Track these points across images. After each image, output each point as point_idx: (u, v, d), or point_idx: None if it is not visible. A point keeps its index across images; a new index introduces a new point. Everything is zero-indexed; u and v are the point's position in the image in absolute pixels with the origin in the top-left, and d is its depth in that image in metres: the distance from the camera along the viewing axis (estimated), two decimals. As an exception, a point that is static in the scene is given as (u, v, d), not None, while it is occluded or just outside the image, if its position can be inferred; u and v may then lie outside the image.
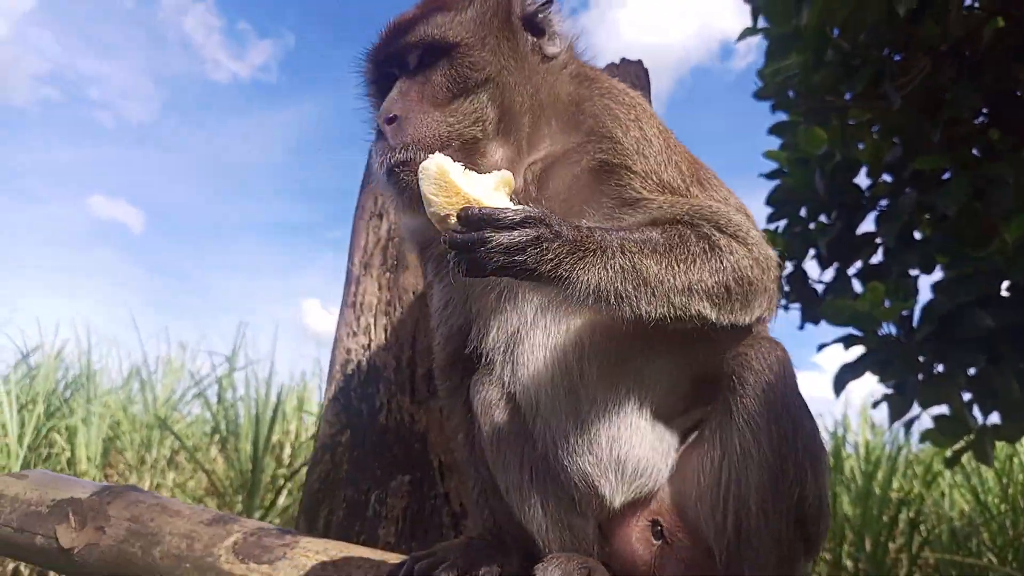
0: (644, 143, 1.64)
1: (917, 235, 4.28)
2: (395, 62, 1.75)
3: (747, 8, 4.47)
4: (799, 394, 1.57)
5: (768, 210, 4.72)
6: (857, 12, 3.82)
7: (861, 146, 4.42)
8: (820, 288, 4.64)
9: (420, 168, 1.35)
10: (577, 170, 1.67)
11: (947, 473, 6.60)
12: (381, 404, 2.50)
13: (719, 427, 1.53)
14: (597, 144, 1.65)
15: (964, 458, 4.43)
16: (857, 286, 4.47)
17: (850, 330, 4.09)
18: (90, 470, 5.57)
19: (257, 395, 6.45)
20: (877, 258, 4.44)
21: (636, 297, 1.40)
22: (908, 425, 4.43)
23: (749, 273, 1.54)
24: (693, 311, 1.47)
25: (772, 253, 1.63)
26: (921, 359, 4.01)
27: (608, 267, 1.38)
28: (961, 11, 3.67)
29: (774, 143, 4.81)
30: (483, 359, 1.75)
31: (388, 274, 2.64)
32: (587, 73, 1.81)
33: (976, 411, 4.03)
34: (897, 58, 3.99)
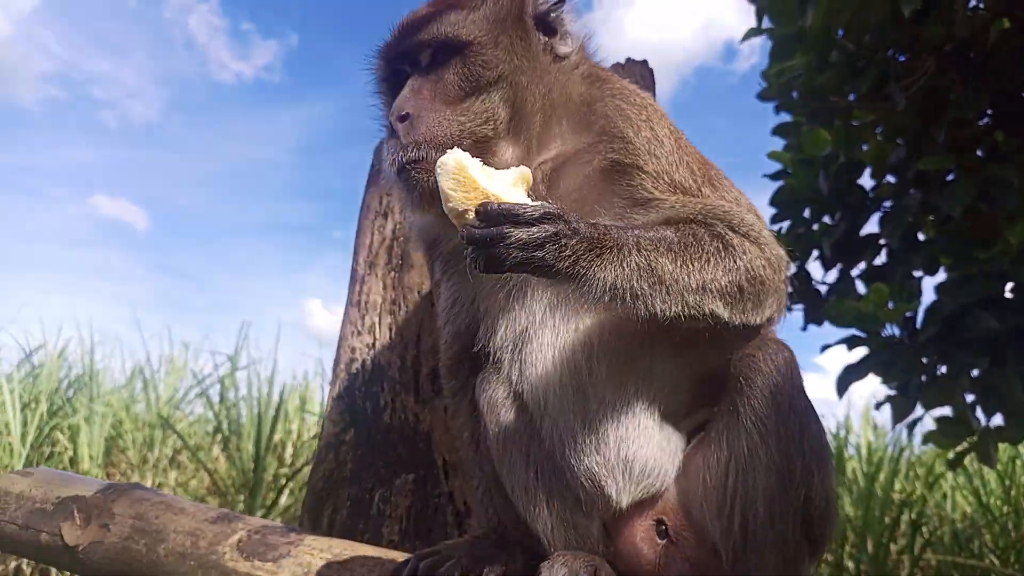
0: (655, 143, 1.65)
1: (921, 236, 4.28)
2: (407, 60, 1.75)
3: (751, 9, 4.48)
4: (806, 396, 1.57)
5: (772, 211, 4.71)
6: (862, 13, 3.82)
7: (865, 147, 4.41)
8: (823, 289, 4.64)
9: (438, 163, 1.35)
10: (588, 170, 1.67)
11: (949, 475, 6.60)
12: (385, 403, 2.50)
13: (726, 428, 1.53)
14: (609, 144, 1.65)
15: (966, 460, 4.42)
16: (861, 287, 4.46)
17: (853, 331, 4.09)
18: (92, 469, 5.58)
19: (259, 394, 6.45)
20: (881, 259, 4.43)
21: (651, 295, 1.41)
22: (911, 426, 4.43)
23: (762, 273, 1.54)
24: (706, 310, 1.47)
25: (783, 253, 1.64)
26: (924, 360, 4.01)
27: (624, 265, 1.38)
28: (966, 12, 3.67)
29: (778, 144, 4.81)
30: (490, 358, 1.75)
31: (393, 273, 2.64)
32: (598, 74, 1.81)
33: (979, 413, 4.03)
34: (902, 59, 3.98)
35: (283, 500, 5.74)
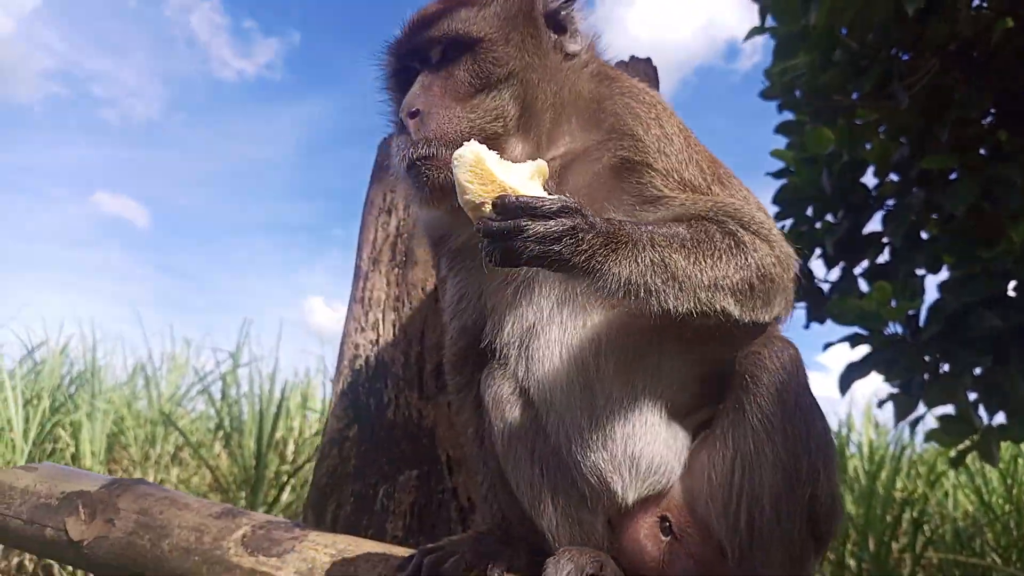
0: (665, 141, 1.65)
1: (924, 235, 4.27)
2: (418, 56, 1.75)
3: (754, 7, 4.47)
4: (811, 393, 1.57)
5: (774, 209, 4.71)
6: (865, 12, 3.81)
7: (868, 146, 4.41)
8: (826, 287, 4.64)
9: (455, 155, 1.34)
10: (598, 167, 1.67)
11: (951, 473, 6.60)
12: (389, 399, 2.50)
13: (732, 425, 1.53)
14: (618, 141, 1.65)
15: (968, 458, 4.42)
16: (863, 285, 4.46)
17: (856, 329, 4.09)
18: (94, 466, 5.58)
19: (261, 392, 6.47)
20: (884, 258, 4.43)
21: (664, 291, 1.41)
22: (913, 425, 4.43)
23: (772, 271, 1.54)
24: (717, 307, 1.47)
25: (792, 252, 1.64)
26: (927, 359, 4.01)
27: (639, 260, 1.38)
28: (970, 11, 3.67)
29: (780, 142, 4.81)
30: (497, 354, 1.75)
31: (397, 270, 2.64)
32: (607, 72, 1.82)
33: (982, 411, 4.03)
34: (905, 58, 3.98)
35: (285, 497, 5.74)
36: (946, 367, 4.01)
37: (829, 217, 4.58)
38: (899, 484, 6.47)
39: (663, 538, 1.64)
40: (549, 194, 1.35)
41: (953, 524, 5.92)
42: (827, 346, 4.35)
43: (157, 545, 2.00)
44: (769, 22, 4.40)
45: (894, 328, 4.01)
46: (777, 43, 4.36)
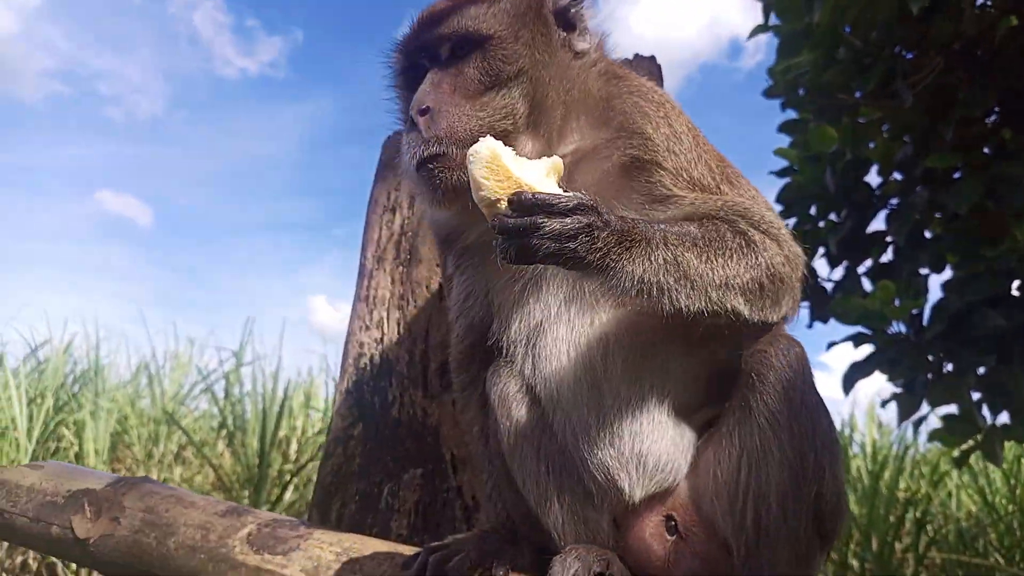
0: (674, 140, 1.65)
1: (928, 234, 4.27)
2: (426, 53, 1.75)
3: (757, 6, 4.47)
4: (817, 392, 1.58)
5: (778, 208, 4.70)
6: (869, 10, 3.81)
7: (872, 144, 4.40)
8: (829, 286, 4.63)
9: (470, 151, 1.34)
10: (607, 165, 1.67)
11: (954, 473, 6.60)
12: (394, 398, 2.50)
13: (738, 424, 1.53)
14: (628, 140, 1.65)
15: (972, 458, 4.42)
16: (867, 285, 4.46)
17: (859, 329, 4.09)
18: (98, 464, 5.59)
19: (264, 390, 6.48)
20: (887, 257, 4.43)
21: (677, 290, 1.41)
22: (917, 424, 4.42)
23: (781, 270, 1.55)
24: (728, 306, 1.47)
25: (800, 251, 1.65)
26: (931, 358, 4.00)
27: (652, 259, 1.38)
28: (974, 9, 3.66)
29: (783, 140, 4.81)
30: (503, 352, 1.75)
31: (401, 268, 2.64)
32: (616, 71, 1.82)
33: (985, 411, 4.02)
34: (909, 56, 3.98)
35: (288, 496, 5.75)
36: (950, 367, 4.01)
37: (832, 216, 4.58)
38: (902, 484, 6.46)
39: (668, 537, 1.64)
40: (564, 191, 1.34)
41: (956, 524, 5.92)
42: (830, 345, 4.35)
43: (163, 543, 2.00)
44: (773, 20, 4.39)
45: (898, 327, 4.01)
46: (781, 41, 4.36)
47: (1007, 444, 4.27)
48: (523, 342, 1.70)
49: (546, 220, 1.28)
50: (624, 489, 1.61)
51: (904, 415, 4.19)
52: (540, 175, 1.37)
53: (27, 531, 2.18)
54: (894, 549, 5.54)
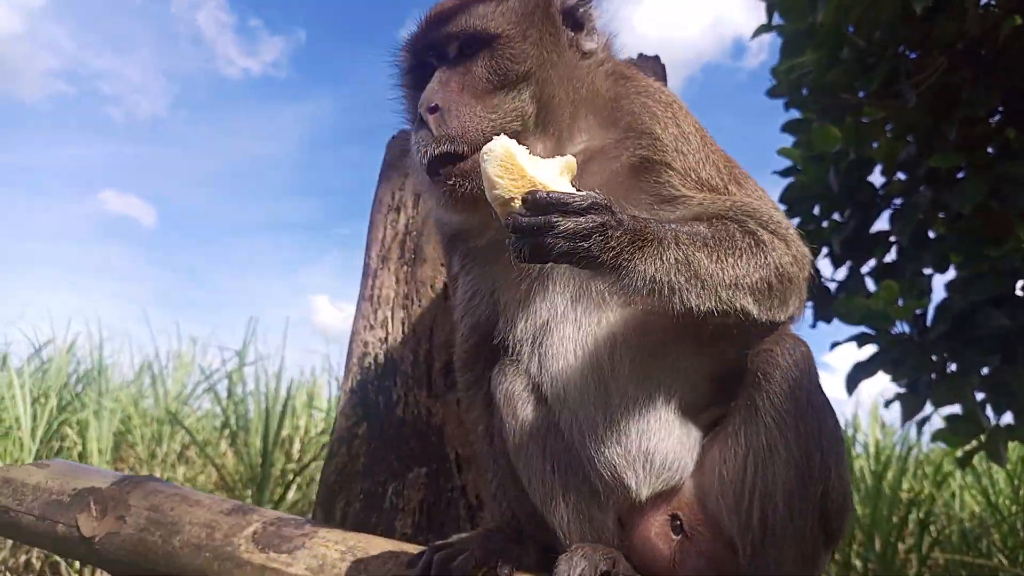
0: (682, 140, 1.66)
1: (931, 234, 4.27)
2: (434, 51, 1.75)
3: (761, 5, 4.47)
4: (822, 391, 1.58)
5: (781, 208, 4.69)
6: (873, 9, 3.81)
7: (875, 144, 4.40)
8: (833, 286, 4.63)
9: (484, 149, 1.35)
10: (616, 165, 1.68)
11: (958, 474, 6.58)
12: (398, 397, 2.51)
13: (744, 423, 1.54)
14: (637, 140, 1.66)
15: (975, 458, 4.41)
16: (870, 284, 4.46)
17: (863, 329, 4.09)
18: (101, 464, 5.60)
19: (267, 390, 6.49)
20: (891, 256, 4.43)
21: (688, 290, 1.42)
22: (920, 424, 4.42)
23: (789, 270, 1.55)
24: (737, 305, 1.48)
25: (808, 251, 1.66)
26: (934, 358, 4.00)
27: (664, 258, 1.39)
28: (978, 9, 3.66)
29: (787, 140, 4.80)
30: (509, 351, 1.75)
31: (406, 268, 2.64)
32: (623, 71, 1.82)
33: (989, 411, 4.02)
34: (912, 56, 3.97)
35: (290, 495, 5.76)
36: (953, 366, 4.01)
37: (836, 216, 4.58)
38: (905, 484, 6.45)
39: (674, 536, 1.64)
40: (577, 190, 1.35)
41: (960, 525, 5.90)
42: (834, 345, 4.35)
43: (168, 541, 2.01)
44: (776, 20, 4.40)
45: (901, 327, 4.01)
46: (784, 41, 4.36)
47: (1011, 444, 4.27)
48: (529, 341, 1.70)
49: (560, 219, 1.28)
50: (631, 487, 1.61)
51: (908, 415, 4.19)
52: (554, 174, 1.37)
53: (33, 529, 2.18)
54: (897, 550, 5.53)
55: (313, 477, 6.11)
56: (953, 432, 4.12)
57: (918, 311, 3.97)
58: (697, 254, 1.43)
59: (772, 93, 4.63)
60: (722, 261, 1.46)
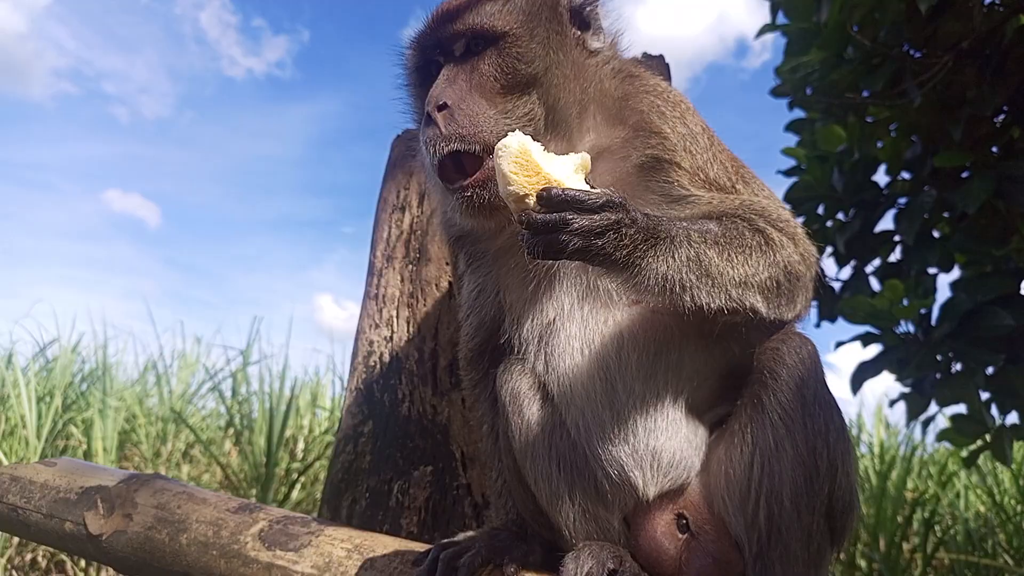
0: (691, 140, 1.66)
1: (936, 233, 4.26)
2: (441, 49, 1.75)
3: (764, 5, 4.48)
4: (829, 389, 1.58)
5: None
6: (878, 9, 3.81)
7: (880, 144, 4.40)
8: (837, 286, 4.62)
9: (500, 145, 1.34)
10: (624, 164, 1.68)
11: (962, 473, 6.57)
12: (403, 395, 2.51)
13: (750, 421, 1.53)
14: (645, 140, 1.66)
15: (980, 458, 4.40)
16: (875, 284, 4.45)
17: (867, 328, 4.08)
18: (106, 462, 5.62)
19: (271, 389, 6.50)
20: (895, 256, 4.42)
21: (699, 287, 1.42)
22: (925, 424, 4.41)
23: (797, 268, 1.56)
24: (747, 303, 1.48)
25: (815, 250, 1.65)
26: (939, 358, 3.99)
27: (676, 256, 1.39)
28: (982, 8, 3.65)
29: (790, 140, 4.81)
30: (515, 349, 1.76)
31: (411, 266, 2.65)
32: (631, 70, 1.82)
33: (994, 410, 4.01)
34: (917, 55, 3.97)
35: (295, 494, 5.77)
36: (958, 366, 4.00)
37: (840, 215, 4.57)
38: (910, 484, 6.44)
39: (680, 535, 1.64)
40: (592, 187, 1.35)
41: (965, 525, 5.88)
42: (838, 345, 4.34)
43: (175, 539, 2.02)
44: (780, 19, 4.40)
45: (906, 327, 4.00)
46: (788, 40, 4.35)
47: (1016, 444, 4.26)
48: (536, 340, 1.70)
49: (575, 216, 1.28)
50: (638, 486, 1.60)
51: (912, 415, 4.18)
52: (568, 171, 1.37)
53: (41, 527, 2.20)
54: (902, 550, 5.52)
55: (317, 476, 6.12)
56: (958, 432, 4.11)
57: (923, 310, 3.96)
58: (708, 252, 1.43)
59: (776, 92, 4.62)
60: (732, 259, 1.46)
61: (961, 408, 4.11)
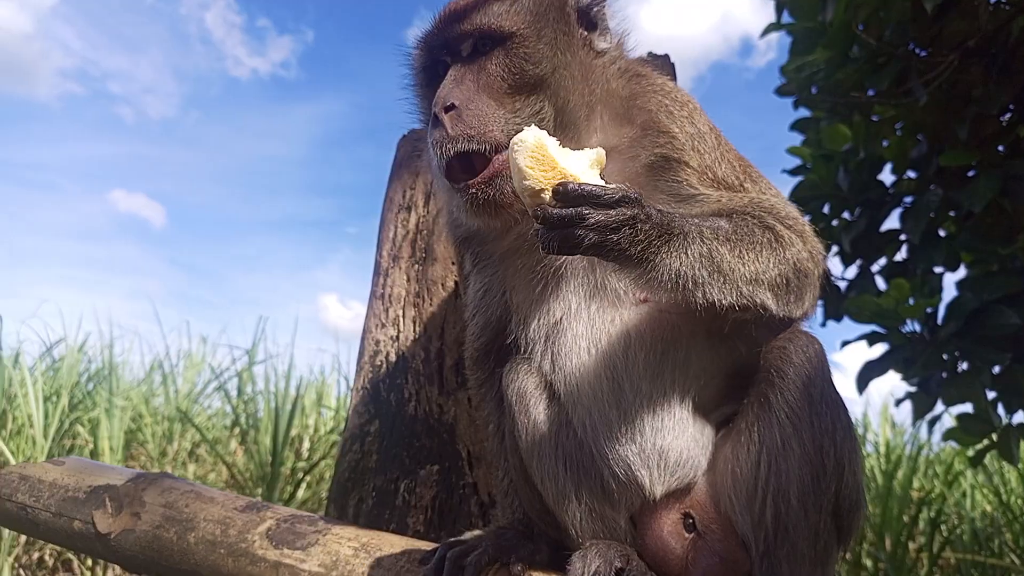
0: (698, 139, 1.66)
1: (942, 232, 4.25)
2: (447, 49, 1.75)
3: (769, 4, 4.48)
4: (835, 387, 1.57)
5: (792, 206, 4.68)
6: (883, 8, 3.80)
7: (885, 143, 4.39)
8: (843, 285, 4.62)
9: (516, 140, 1.34)
10: (632, 164, 1.68)
11: (968, 473, 6.56)
12: (410, 395, 2.52)
13: (757, 420, 1.53)
14: (654, 139, 1.66)
15: (987, 458, 4.39)
16: (881, 283, 4.45)
17: (873, 327, 4.07)
18: (112, 462, 5.64)
19: (276, 389, 6.51)
20: (901, 255, 4.42)
21: (710, 284, 1.42)
22: (931, 423, 4.40)
23: (806, 265, 1.56)
24: (757, 300, 1.48)
25: (822, 248, 1.65)
26: (945, 357, 3.98)
27: (688, 252, 1.39)
28: (988, 7, 3.64)
29: (795, 139, 4.80)
30: (521, 349, 1.76)
31: (416, 266, 2.66)
32: (637, 69, 1.83)
33: (1000, 409, 4.00)
34: (923, 54, 3.96)
35: (300, 493, 5.78)
36: (964, 365, 3.99)
37: (846, 214, 4.56)
38: (916, 484, 6.43)
39: (687, 535, 1.63)
40: (607, 183, 1.35)
41: (971, 524, 5.87)
42: (844, 344, 4.33)
43: (183, 538, 2.02)
44: (785, 18, 4.39)
45: (912, 326, 3.99)
46: (794, 39, 4.35)
47: (1022, 443, 4.24)
48: (542, 339, 1.71)
49: (591, 211, 1.28)
50: (645, 485, 1.60)
51: (919, 414, 4.17)
52: (584, 166, 1.36)
53: (49, 526, 2.21)
54: (908, 549, 5.51)
55: (323, 475, 6.13)
56: (964, 431, 4.10)
57: (929, 310, 3.96)
58: (720, 248, 1.43)
59: (781, 92, 4.63)
60: (743, 256, 1.47)
61: (967, 407, 4.10)
